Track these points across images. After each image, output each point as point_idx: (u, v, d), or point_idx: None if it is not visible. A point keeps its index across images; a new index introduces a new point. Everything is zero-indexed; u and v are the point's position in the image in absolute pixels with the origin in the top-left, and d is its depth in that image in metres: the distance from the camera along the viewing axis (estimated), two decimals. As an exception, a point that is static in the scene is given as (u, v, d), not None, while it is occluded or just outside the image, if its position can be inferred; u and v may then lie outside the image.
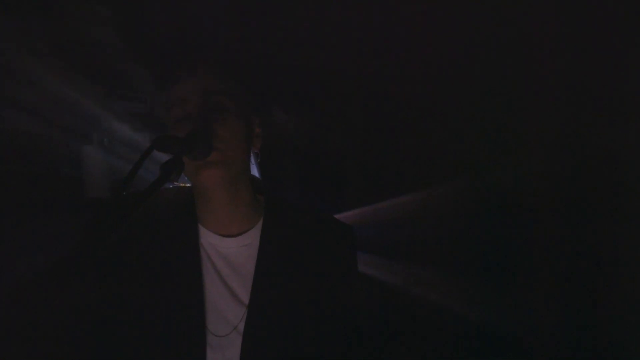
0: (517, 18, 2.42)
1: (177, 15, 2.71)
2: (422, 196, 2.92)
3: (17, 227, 2.54)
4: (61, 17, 2.56)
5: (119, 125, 2.76)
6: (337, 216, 3.04)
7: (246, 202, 1.15)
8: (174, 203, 1.19)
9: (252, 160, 1.23)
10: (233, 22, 2.81)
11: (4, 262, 2.51)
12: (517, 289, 2.77)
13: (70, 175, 2.76)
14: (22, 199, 2.60)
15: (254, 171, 1.35)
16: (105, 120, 2.75)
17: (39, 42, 2.55)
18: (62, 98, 2.61)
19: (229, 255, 1.12)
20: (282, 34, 2.93)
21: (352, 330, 1.17)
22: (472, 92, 2.68)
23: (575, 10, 2.45)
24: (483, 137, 2.80)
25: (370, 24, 2.82)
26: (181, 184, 1.29)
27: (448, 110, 2.86)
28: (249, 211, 1.16)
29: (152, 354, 1.05)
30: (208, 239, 1.13)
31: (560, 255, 2.79)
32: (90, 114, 2.69)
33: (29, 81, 2.56)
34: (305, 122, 3.10)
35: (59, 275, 0.65)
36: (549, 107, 2.74)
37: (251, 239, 1.14)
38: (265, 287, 1.10)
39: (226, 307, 1.09)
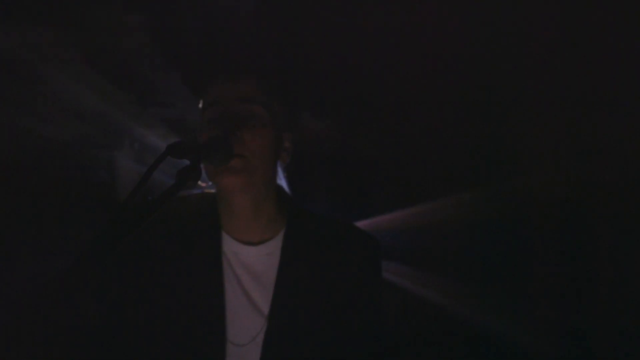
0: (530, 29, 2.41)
1: (217, 24, 2.76)
2: (449, 203, 2.89)
3: (54, 230, 2.62)
4: (93, 27, 2.64)
5: (150, 131, 2.81)
6: (364, 222, 3.03)
7: (270, 212, 1.14)
8: (198, 208, 1.19)
9: (280, 174, 1.22)
10: (270, 34, 2.84)
11: (43, 264, 2.59)
12: (545, 298, 2.72)
13: (105, 180, 2.83)
14: (59, 203, 2.68)
15: (283, 183, 1.34)
16: (136, 125, 2.80)
17: (72, 52, 2.63)
18: (94, 106, 2.68)
19: (251, 263, 1.11)
20: (312, 43, 2.94)
21: (374, 343, 1.14)
22: (498, 105, 2.66)
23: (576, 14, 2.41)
24: (508, 146, 2.77)
25: (401, 34, 2.81)
26: (206, 190, 1.29)
27: (477, 119, 2.83)
28: (272, 220, 1.14)
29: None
30: (230, 246, 1.12)
31: (574, 263, 2.74)
32: (122, 121, 2.75)
33: (63, 90, 2.64)
34: (335, 129, 3.09)
35: (67, 283, 0.64)
36: (559, 121, 2.72)
37: (273, 248, 1.13)
38: (286, 298, 1.09)
39: (246, 317, 1.08)
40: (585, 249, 2.63)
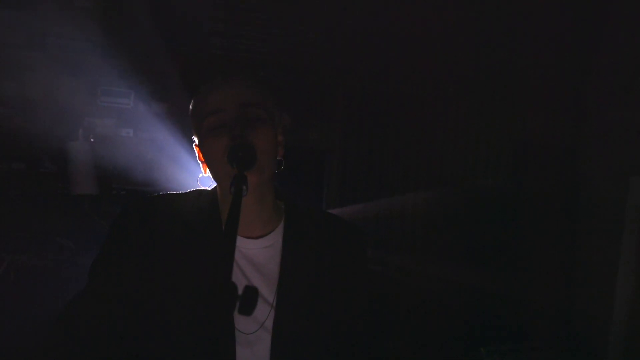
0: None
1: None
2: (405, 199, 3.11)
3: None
4: (44, 11, 2.52)
5: (103, 121, 2.74)
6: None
7: (270, 207, 1.22)
8: (197, 206, 1.23)
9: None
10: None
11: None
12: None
13: (52, 171, 2.73)
14: (4, 195, 2.56)
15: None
16: (90, 116, 2.72)
17: (23, 36, 2.50)
18: (47, 94, 2.57)
19: (253, 256, 1.19)
20: (279, 38, 2.98)
21: (366, 321, 1.27)
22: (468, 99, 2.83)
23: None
24: (468, 149, 3.00)
25: (369, 27, 2.92)
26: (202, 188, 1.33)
27: (441, 116, 3.02)
28: (271, 215, 1.23)
29: (184, 352, 1.10)
30: None
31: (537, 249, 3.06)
32: (76, 111, 2.66)
33: (12, 77, 2.51)
34: (289, 120, 3.16)
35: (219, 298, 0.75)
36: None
37: (273, 240, 1.21)
38: (290, 285, 1.17)
39: None
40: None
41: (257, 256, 1.20)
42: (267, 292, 1.18)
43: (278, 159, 1.24)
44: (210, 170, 1.20)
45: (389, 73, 3.04)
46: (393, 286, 3.01)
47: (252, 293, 0.79)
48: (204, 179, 1.30)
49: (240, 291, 1.14)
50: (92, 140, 2.62)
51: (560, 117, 3.22)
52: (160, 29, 3.02)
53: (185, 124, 1.31)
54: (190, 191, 1.30)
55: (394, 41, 2.96)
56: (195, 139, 1.24)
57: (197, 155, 1.28)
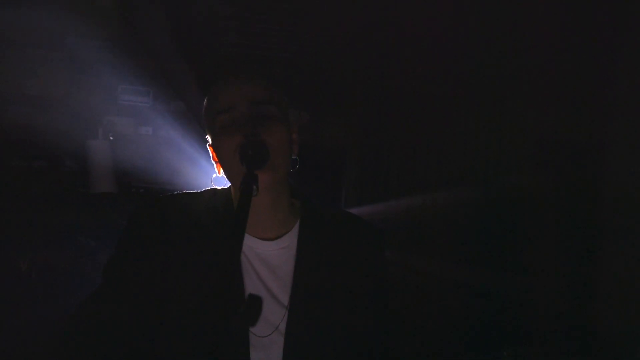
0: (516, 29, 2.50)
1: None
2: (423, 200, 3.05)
3: (20, 221, 2.53)
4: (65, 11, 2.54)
5: (123, 120, 2.76)
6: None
7: (285, 207, 1.18)
8: (211, 206, 1.21)
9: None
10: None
11: (7, 257, 2.51)
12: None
13: (72, 169, 2.75)
14: (25, 193, 2.59)
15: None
16: (109, 114, 2.74)
17: (45, 34, 2.53)
18: (66, 93, 2.59)
19: (268, 257, 1.16)
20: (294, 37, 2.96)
21: (383, 324, 1.23)
22: (477, 99, 2.78)
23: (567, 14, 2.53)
24: (483, 147, 2.94)
25: (389, 23, 2.87)
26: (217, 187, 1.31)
27: (455, 114, 2.96)
28: (286, 215, 1.18)
29: (196, 355, 1.08)
30: (247, 242, 1.14)
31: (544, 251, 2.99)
32: (95, 109, 2.68)
33: (33, 75, 2.54)
34: (308, 118, 3.14)
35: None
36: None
37: (289, 241, 1.16)
38: (305, 288, 1.14)
39: (267, 309, 1.10)
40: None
41: (272, 258, 1.17)
42: (282, 294, 1.15)
43: (293, 157, 1.20)
44: (223, 169, 1.18)
45: (407, 70, 2.99)
46: (413, 288, 2.96)
47: (256, 302, 0.76)
48: (218, 179, 1.28)
49: (253, 295, 1.12)
50: (111, 138, 2.63)
51: (585, 112, 3.12)
52: (176, 27, 3.02)
53: (203, 123, 1.28)
54: (205, 190, 1.27)
55: (413, 37, 2.91)
56: (209, 138, 1.22)
57: (210, 155, 1.26)
